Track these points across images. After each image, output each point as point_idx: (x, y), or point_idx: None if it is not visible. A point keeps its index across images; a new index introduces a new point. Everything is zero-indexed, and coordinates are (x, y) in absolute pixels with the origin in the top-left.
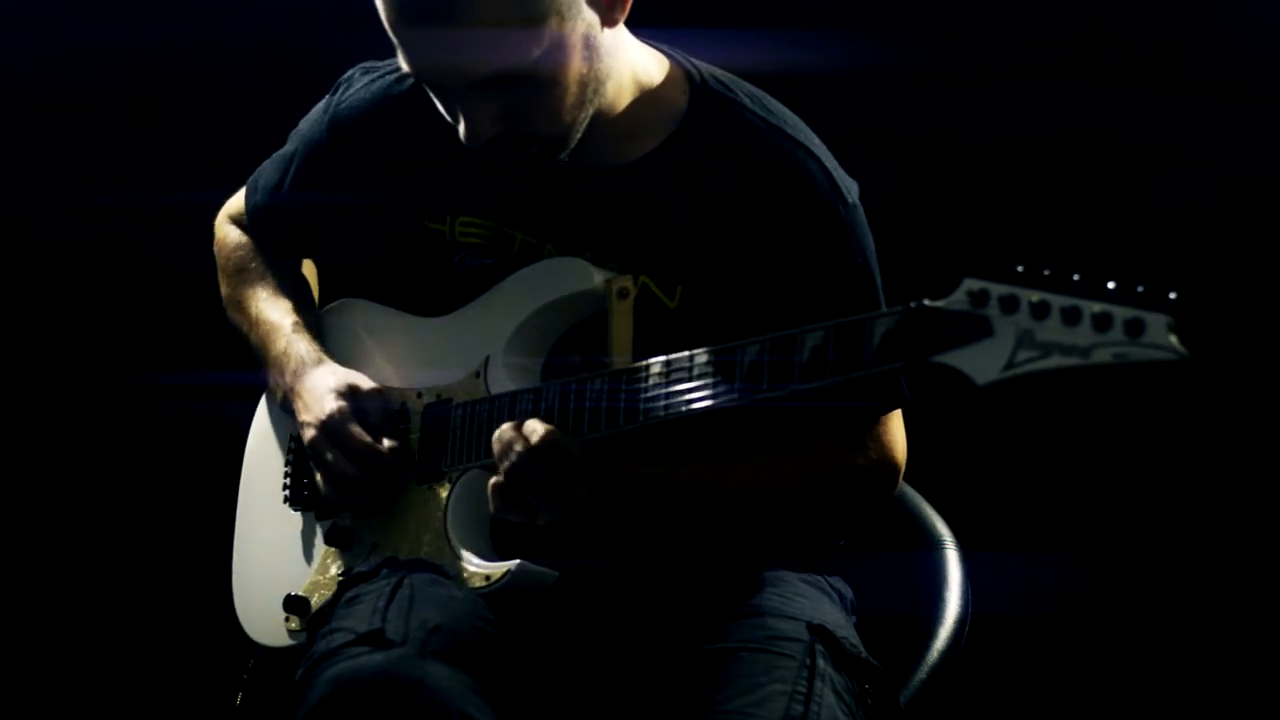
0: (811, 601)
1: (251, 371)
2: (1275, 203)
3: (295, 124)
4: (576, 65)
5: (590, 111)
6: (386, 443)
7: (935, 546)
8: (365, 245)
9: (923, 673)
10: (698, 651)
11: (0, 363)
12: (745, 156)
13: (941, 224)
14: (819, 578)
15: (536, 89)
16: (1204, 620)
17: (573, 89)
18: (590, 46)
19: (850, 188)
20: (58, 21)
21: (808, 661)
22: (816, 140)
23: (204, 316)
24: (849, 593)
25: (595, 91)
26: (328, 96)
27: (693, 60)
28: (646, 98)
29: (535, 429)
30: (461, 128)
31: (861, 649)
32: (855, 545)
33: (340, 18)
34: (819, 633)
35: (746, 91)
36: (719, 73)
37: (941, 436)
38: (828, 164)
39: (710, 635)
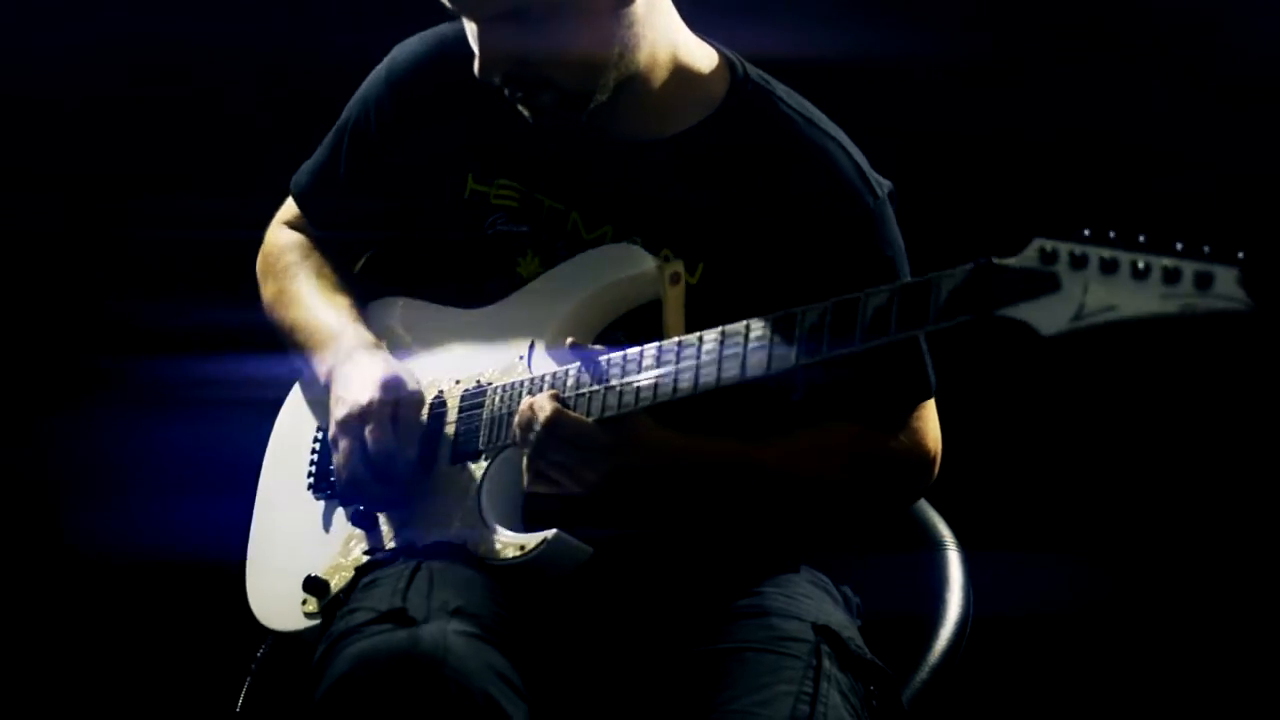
0: (816, 602)
1: (275, 361)
2: (1275, 203)
3: (297, 130)
4: (596, 20)
5: (615, 76)
6: (408, 451)
7: (937, 547)
8: (411, 208)
9: (924, 673)
10: (704, 651)
11: (9, 353)
12: (777, 144)
13: (943, 221)
14: (825, 579)
15: (552, 32)
16: (1204, 620)
17: (591, 44)
18: (614, 9)
19: (881, 184)
20: (57, 21)
21: (813, 662)
22: (849, 140)
23: (213, 313)
24: (855, 598)
25: (621, 56)
26: (385, 59)
27: (741, 58)
28: (686, 79)
29: (543, 405)
30: (476, 60)
31: (866, 650)
32: (858, 546)
33: (350, 24)
34: (824, 633)
35: (785, 89)
36: (762, 72)
37: (943, 437)
38: (858, 159)
39: (716, 635)
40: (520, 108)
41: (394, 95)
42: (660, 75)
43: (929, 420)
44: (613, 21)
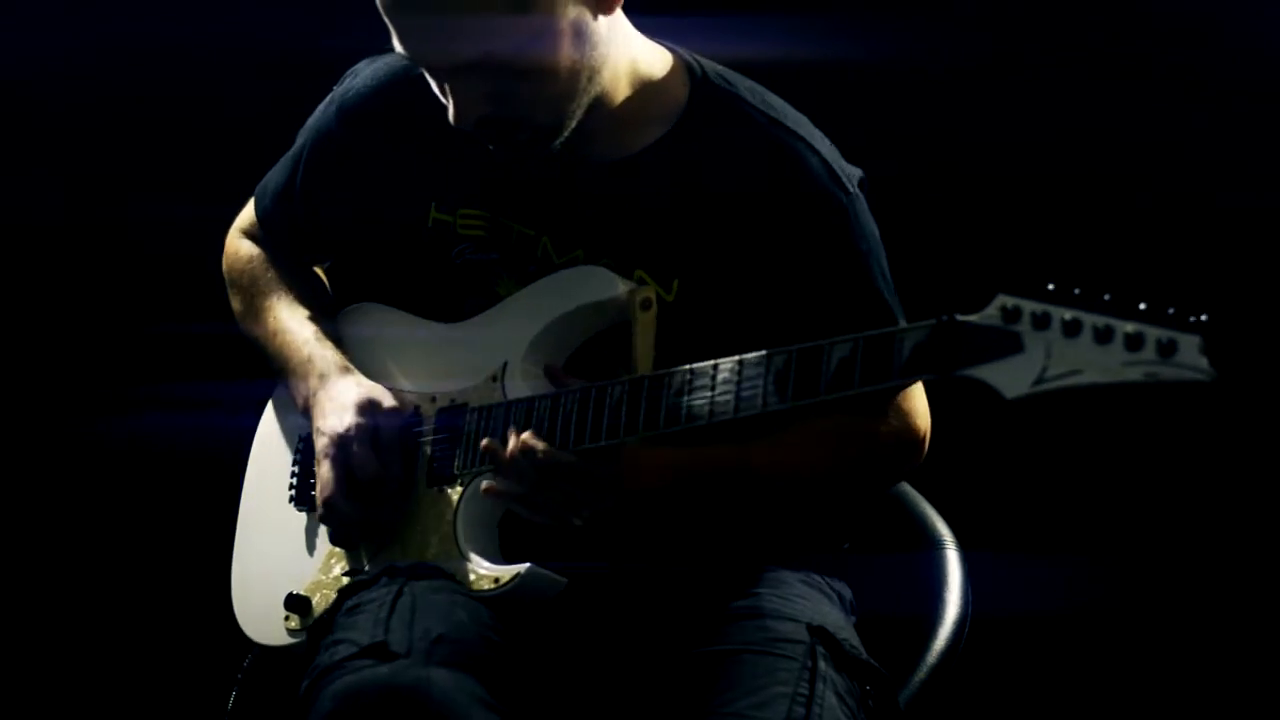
0: (812, 603)
1: (257, 382)
2: (1276, 204)
3: (292, 129)
4: (566, 52)
5: (585, 101)
6: (392, 469)
7: (936, 547)
8: (374, 238)
9: (922, 673)
10: (699, 653)
11: (3, 363)
12: (745, 150)
13: (943, 223)
14: (818, 579)
15: (524, 74)
16: (1204, 620)
17: (563, 76)
18: (580, 34)
19: (851, 176)
20: (57, 20)
21: (809, 663)
22: (818, 133)
23: (205, 323)
24: (848, 593)
25: (590, 80)
26: (335, 88)
27: (696, 56)
28: (647, 90)
29: (535, 446)
30: (450, 109)
31: (862, 650)
32: (857, 546)
33: (343, 21)
34: (819, 634)
35: (747, 86)
36: (721, 68)
37: (943, 437)
38: (827, 155)
39: (711, 637)
40: (493, 148)
41: (344, 128)
42: (622, 90)
43: (918, 400)
44: (579, 46)
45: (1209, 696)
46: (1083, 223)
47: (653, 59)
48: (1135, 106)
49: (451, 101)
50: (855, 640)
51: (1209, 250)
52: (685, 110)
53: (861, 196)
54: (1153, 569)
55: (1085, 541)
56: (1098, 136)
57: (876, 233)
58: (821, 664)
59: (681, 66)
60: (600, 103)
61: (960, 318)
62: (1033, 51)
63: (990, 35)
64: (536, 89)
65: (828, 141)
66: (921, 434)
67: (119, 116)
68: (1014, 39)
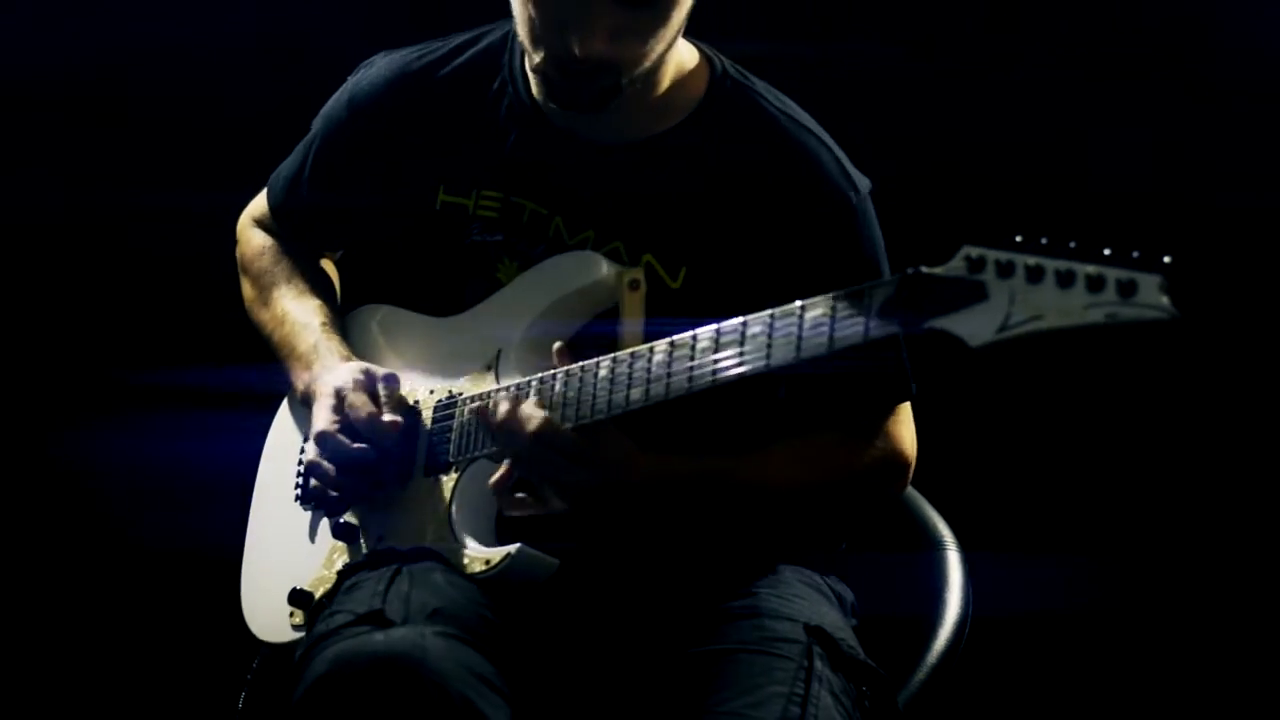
0: (809, 603)
1: (269, 371)
2: (1275, 203)
3: (299, 125)
4: (680, 14)
5: (650, 67)
6: (388, 417)
7: (936, 547)
8: (381, 225)
9: (922, 673)
10: (695, 652)
11: (9, 358)
12: (758, 142)
13: (939, 223)
14: (818, 579)
15: (653, 20)
16: (1204, 620)
17: (671, 29)
18: (689, 4)
19: (862, 182)
20: (54, 18)
21: (805, 663)
22: (828, 136)
23: (215, 314)
24: (849, 595)
25: (670, 46)
26: (349, 78)
27: (718, 53)
28: (676, 79)
29: (533, 414)
30: (577, 41)
31: (859, 651)
32: (856, 546)
33: (348, 16)
34: (816, 634)
35: (764, 85)
36: (740, 66)
37: (943, 437)
38: (839, 155)
39: (708, 636)
40: (560, 88)
41: (354, 119)
42: (662, 74)
43: (906, 425)
44: (683, 15)
45: (1209, 696)
46: (1082, 224)
47: (683, 50)
48: (1135, 106)
49: (581, 32)
50: (853, 640)
51: (1209, 250)
52: (702, 101)
53: (869, 201)
54: (1153, 569)
55: (1085, 541)
56: (1096, 137)
57: (882, 240)
58: (818, 664)
59: (703, 60)
60: (645, 78)
61: (926, 269)
62: (1031, 52)
63: (989, 35)
64: (651, 38)
65: (838, 145)
66: (907, 460)
67: (119, 116)
68: (1013, 39)
